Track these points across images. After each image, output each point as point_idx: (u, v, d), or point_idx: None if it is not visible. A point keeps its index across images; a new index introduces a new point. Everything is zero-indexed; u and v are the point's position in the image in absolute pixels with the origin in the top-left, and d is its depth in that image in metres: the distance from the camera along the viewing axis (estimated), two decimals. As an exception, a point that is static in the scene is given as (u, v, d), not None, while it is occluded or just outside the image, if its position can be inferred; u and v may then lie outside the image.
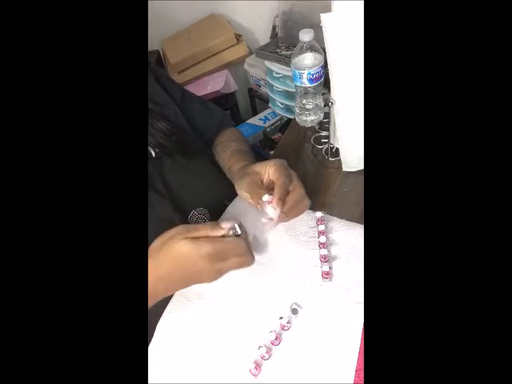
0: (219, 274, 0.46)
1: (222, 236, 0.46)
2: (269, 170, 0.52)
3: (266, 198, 0.48)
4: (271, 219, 0.48)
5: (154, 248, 0.45)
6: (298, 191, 0.51)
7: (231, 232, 0.46)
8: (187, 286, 0.49)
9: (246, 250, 0.46)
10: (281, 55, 1.30)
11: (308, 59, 0.61)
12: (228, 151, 0.69)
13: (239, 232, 0.47)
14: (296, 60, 0.62)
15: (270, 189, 0.51)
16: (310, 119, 0.69)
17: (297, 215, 0.53)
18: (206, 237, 0.45)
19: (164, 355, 0.50)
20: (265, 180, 0.53)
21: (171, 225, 0.46)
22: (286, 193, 0.50)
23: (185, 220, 0.59)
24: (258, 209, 0.52)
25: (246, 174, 0.53)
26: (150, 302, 0.47)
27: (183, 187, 0.62)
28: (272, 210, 0.47)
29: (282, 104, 1.47)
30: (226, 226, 0.46)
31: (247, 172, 0.54)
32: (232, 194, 0.63)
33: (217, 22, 1.64)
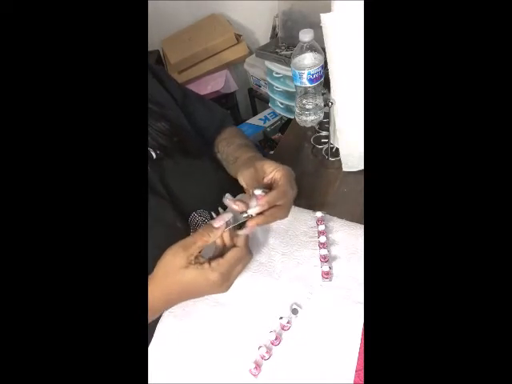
0: (229, 287, 0.47)
1: (226, 247, 0.46)
2: (275, 174, 0.52)
3: (257, 192, 0.47)
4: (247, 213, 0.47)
5: (158, 275, 0.46)
6: (283, 209, 0.50)
7: (245, 216, 0.46)
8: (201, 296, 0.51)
9: (246, 256, 0.46)
10: (281, 55, 1.30)
11: (308, 59, 0.61)
12: (233, 145, 0.69)
13: (253, 214, 0.46)
14: (296, 60, 0.62)
15: (267, 189, 0.51)
16: (310, 119, 0.69)
17: (264, 224, 0.49)
18: (203, 243, 0.45)
19: (164, 355, 0.50)
20: (266, 180, 0.52)
21: (172, 228, 0.47)
22: (280, 198, 0.49)
23: (185, 222, 0.59)
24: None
25: (253, 167, 0.53)
26: (159, 314, 0.50)
27: (184, 189, 0.62)
28: (254, 203, 0.47)
29: (282, 104, 1.47)
30: (219, 224, 0.45)
31: (254, 165, 0.53)
32: (233, 195, 0.63)
33: (217, 22, 1.64)
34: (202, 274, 0.44)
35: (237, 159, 0.63)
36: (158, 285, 0.46)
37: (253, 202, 0.47)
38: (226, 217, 0.46)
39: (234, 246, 0.47)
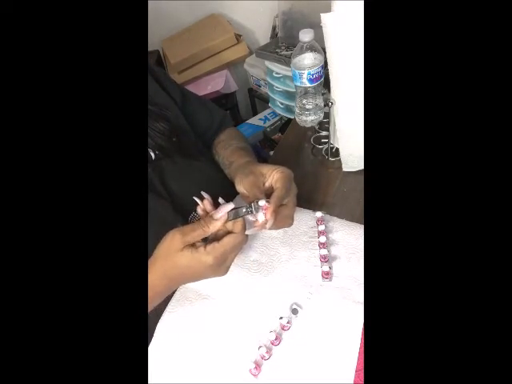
0: (227, 270, 0.48)
1: (225, 237, 0.46)
2: (274, 175, 0.51)
3: (262, 203, 0.46)
4: (256, 222, 0.47)
5: (158, 258, 0.46)
6: (289, 208, 0.50)
7: (245, 210, 0.46)
8: (200, 280, 0.51)
9: (241, 242, 0.46)
10: (281, 55, 1.30)
11: (308, 59, 0.61)
12: (229, 148, 0.69)
13: (254, 211, 0.46)
14: (296, 60, 0.62)
15: (268, 194, 0.50)
16: (310, 119, 0.69)
17: (276, 229, 0.51)
18: (203, 234, 0.45)
19: (164, 355, 0.50)
20: (267, 184, 0.52)
21: (172, 227, 0.47)
22: (280, 205, 0.49)
23: (186, 221, 0.59)
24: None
25: (251, 173, 0.52)
26: (161, 299, 0.50)
27: (183, 188, 0.62)
28: (263, 217, 0.47)
29: (282, 104, 1.47)
30: (219, 215, 0.45)
31: (252, 171, 0.53)
32: (232, 195, 0.63)
33: (217, 22, 1.64)
34: (197, 257, 0.44)
35: (232, 163, 0.64)
36: (158, 268, 0.46)
37: (260, 215, 0.47)
38: (227, 208, 0.46)
39: (229, 231, 0.47)
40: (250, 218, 0.48)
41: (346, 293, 0.52)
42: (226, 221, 0.46)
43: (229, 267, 0.47)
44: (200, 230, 0.45)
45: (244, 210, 0.46)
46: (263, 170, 0.52)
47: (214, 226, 0.45)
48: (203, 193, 0.49)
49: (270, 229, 0.48)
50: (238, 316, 0.52)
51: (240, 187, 0.53)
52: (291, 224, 0.52)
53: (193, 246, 0.45)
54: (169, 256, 0.45)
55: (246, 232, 0.47)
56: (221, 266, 0.46)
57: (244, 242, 0.47)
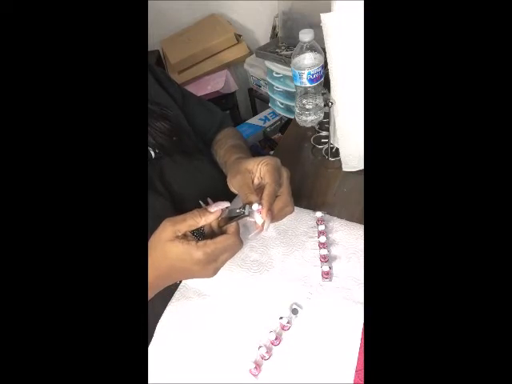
0: (216, 271, 0.47)
1: (220, 230, 0.47)
2: (261, 169, 0.50)
3: (255, 207, 0.46)
4: (257, 225, 0.47)
5: (149, 247, 0.46)
6: (284, 198, 0.50)
7: (238, 211, 0.46)
8: (188, 278, 0.50)
9: (234, 243, 0.46)
10: (281, 55, 1.30)
11: (308, 59, 0.61)
12: (224, 147, 0.69)
13: (247, 213, 0.46)
14: (296, 60, 0.62)
15: (260, 189, 0.50)
16: (309, 119, 0.69)
17: (278, 221, 0.51)
18: (195, 226, 0.45)
19: (164, 355, 0.50)
20: (256, 180, 0.51)
21: None
22: (274, 199, 0.49)
23: None
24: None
25: (238, 173, 0.52)
26: (151, 294, 0.49)
27: (183, 187, 0.62)
28: (260, 219, 0.47)
29: (282, 104, 1.47)
30: (214, 209, 0.45)
31: (239, 170, 0.52)
32: (232, 194, 0.63)
33: (217, 22, 1.65)
34: (187, 250, 0.43)
35: (226, 163, 0.64)
36: (148, 256, 0.45)
37: (257, 217, 0.47)
38: (223, 204, 0.46)
39: (224, 232, 0.47)
40: (251, 220, 0.48)
41: (345, 293, 0.52)
42: (220, 217, 0.46)
43: (218, 268, 0.47)
44: (191, 221, 0.44)
45: (237, 211, 0.47)
46: (249, 166, 0.52)
47: (207, 219, 0.45)
48: (209, 199, 0.49)
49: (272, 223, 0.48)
50: (238, 316, 0.52)
51: (231, 188, 0.53)
52: (292, 211, 0.52)
53: (185, 238, 0.44)
54: (159, 245, 0.45)
55: (249, 236, 0.47)
56: (210, 265, 0.45)
57: (237, 246, 0.46)
